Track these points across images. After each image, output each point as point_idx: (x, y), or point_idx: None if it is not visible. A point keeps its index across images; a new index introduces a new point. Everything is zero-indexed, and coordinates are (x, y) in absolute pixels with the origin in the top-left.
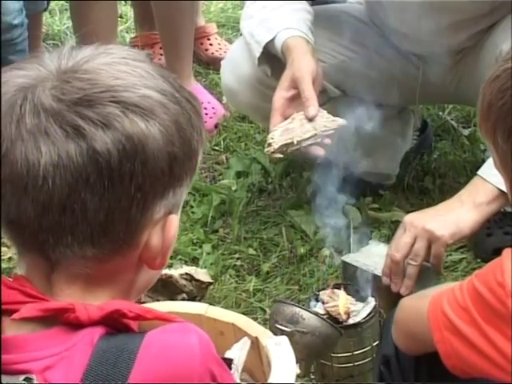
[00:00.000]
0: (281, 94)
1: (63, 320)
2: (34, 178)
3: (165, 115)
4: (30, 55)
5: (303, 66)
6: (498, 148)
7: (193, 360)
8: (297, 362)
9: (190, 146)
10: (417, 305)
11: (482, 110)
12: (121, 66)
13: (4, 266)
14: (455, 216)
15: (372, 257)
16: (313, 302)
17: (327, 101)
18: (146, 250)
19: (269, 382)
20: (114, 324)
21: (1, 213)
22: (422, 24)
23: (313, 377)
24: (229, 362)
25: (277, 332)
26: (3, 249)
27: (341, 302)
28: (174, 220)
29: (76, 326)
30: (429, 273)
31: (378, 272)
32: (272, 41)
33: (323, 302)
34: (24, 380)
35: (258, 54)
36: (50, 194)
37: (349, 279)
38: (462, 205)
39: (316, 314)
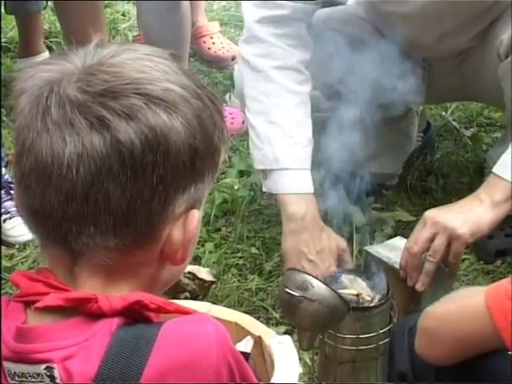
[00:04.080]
0: None
1: (85, 310)
2: (59, 167)
3: (187, 109)
4: (56, 53)
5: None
6: None
7: (209, 349)
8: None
9: (212, 142)
10: (462, 305)
11: None
12: (145, 62)
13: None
14: (475, 214)
15: (395, 251)
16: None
17: (333, 96)
18: (168, 243)
19: (272, 381)
20: (135, 316)
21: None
22: (425, 31)
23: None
24: (246, 356)
25: (285, 296)
26: (3, 247)
27: (358, 290)
28: (196, 214)
29: (96, 316)
30: (443, 275)
31: (397, 265)
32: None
33: (343, 286)
34: (45, 369)
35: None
36: (73, 183)
37: (369, 268)
38: (481, 203)
39: (326, 284)
